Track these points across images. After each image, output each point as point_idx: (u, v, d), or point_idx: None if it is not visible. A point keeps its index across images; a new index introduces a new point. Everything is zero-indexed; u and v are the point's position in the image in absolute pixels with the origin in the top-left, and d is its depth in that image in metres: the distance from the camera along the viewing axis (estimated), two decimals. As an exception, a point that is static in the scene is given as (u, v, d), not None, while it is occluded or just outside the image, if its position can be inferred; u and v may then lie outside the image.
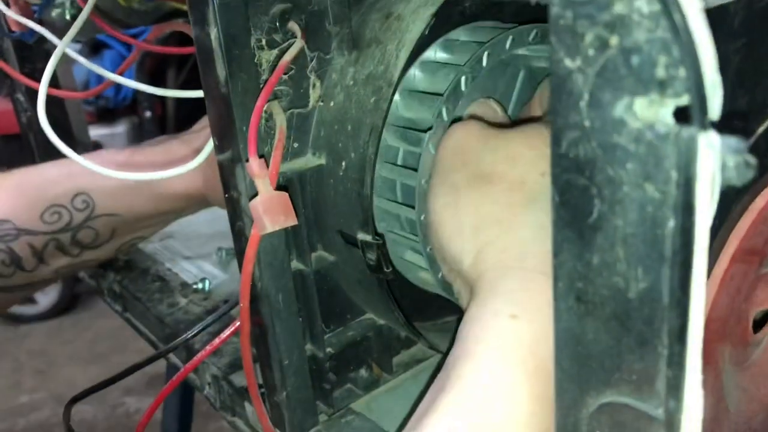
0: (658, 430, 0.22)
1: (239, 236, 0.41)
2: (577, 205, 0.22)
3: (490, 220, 0.35)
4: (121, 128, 2.30)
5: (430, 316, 0.50)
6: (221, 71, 0.37)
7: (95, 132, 2.41)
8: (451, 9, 0.41)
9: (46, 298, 2.33)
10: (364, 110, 0.40)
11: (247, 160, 0.37)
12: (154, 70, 2.30)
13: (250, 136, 0.36)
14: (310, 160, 0.43)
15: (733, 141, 0.18)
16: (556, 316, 0.24)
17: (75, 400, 0.52)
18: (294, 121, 0.41)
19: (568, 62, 0.20)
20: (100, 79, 0.75)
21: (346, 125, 0.41)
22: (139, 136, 2.28)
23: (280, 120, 0.39)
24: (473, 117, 0.41)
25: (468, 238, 0.35)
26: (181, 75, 2.25)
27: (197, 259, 0.70)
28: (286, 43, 0.39)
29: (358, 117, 0.40)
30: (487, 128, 0.39)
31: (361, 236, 0.41)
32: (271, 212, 0.36)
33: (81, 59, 0.48)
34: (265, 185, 0.36)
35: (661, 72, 0.18)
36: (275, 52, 0.38)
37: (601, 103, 0.20)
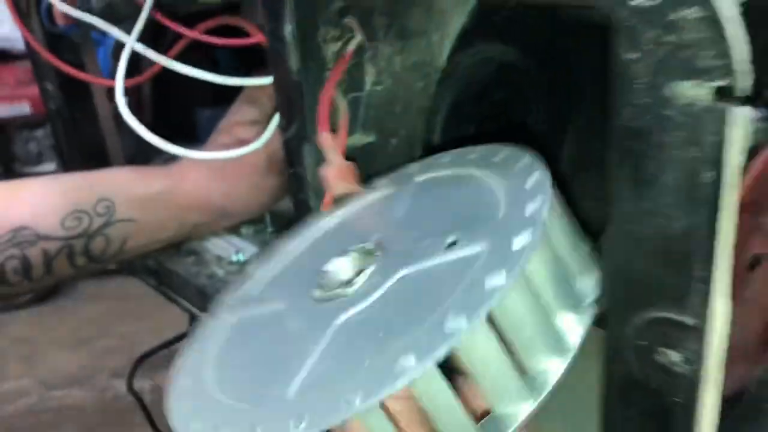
0: (694, 334, 0.29)
1: (301, 207, 0.47)
2: (634, 165, 0.28)
3: None
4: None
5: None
6: (294, 62, 0.42)
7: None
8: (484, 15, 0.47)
9: (27, 286, 2.33)
10: (412, 94, 0.46)
11: (317, 137, 0.42)
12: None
13: (323, 115, 0.42)
14: (360, 138, 0.48)
15: (763, 110, 0.25)
16: (608, 252, 0.31)
17: (145, 356, 0.57)
18: (350, 105, 0.47)
19: (630, 54, 0.27)
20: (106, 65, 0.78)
21: (395, 107, 0.47)
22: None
23: (343, 104, 0.44)
24: None
25: None
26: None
27: (225, 234, 0.75)
28: (346, 37, 0.45)
29: (406, 99, 0.46)
30: None
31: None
32: (341, 178, 0.42)
33: (148, 53, 0.52)
34: (336, 156, 0.42)
35: (704, 63, 0.25)
36: (339, 44, 0.44)
37: (656, 85, 0.26)
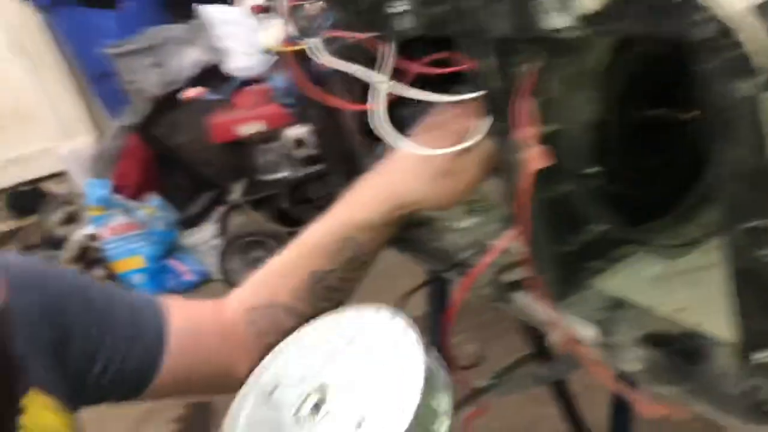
0: None
1: (511, 181, 0.67)
2: (726, 128, 0.45)
3: None
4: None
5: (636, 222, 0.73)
6: (497, 83, 0.63)
7: (297, 130, 2.81)
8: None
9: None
10: (583, 91, 0.64)
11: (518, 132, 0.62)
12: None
13: (524, 117, 0.62)
14: (551, 127, 0.67)
15: (791, 92, 0.41)
16: (721, 188, 0.47)
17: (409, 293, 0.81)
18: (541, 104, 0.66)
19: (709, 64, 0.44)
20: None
21: (572, 102, 0.65)
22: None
23: (534, 105, 0.64)
24: None
25: None
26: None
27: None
28: (532, 58, 0.64)
29: (579, 95, 0.64)
30: None
31: (587, 170, 0.66)
32: (541, 160, 0.62)
33: (407, 92, 0.76)
34: (534, 143, 0.62)
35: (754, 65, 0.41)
36: (527, 65, 0.63)
37: (726, 82, 0.43)
